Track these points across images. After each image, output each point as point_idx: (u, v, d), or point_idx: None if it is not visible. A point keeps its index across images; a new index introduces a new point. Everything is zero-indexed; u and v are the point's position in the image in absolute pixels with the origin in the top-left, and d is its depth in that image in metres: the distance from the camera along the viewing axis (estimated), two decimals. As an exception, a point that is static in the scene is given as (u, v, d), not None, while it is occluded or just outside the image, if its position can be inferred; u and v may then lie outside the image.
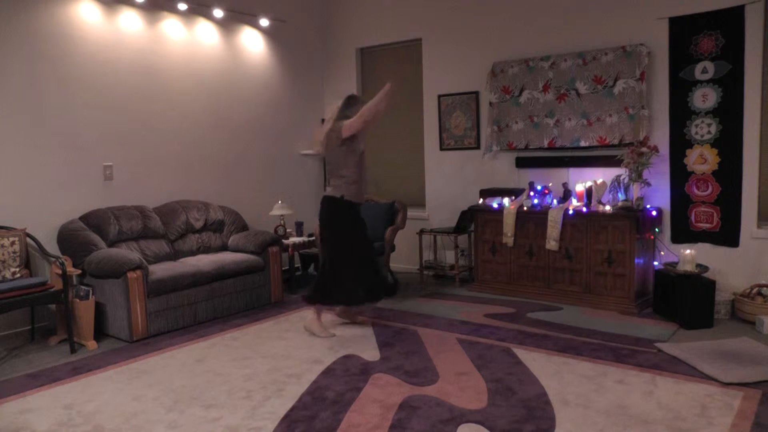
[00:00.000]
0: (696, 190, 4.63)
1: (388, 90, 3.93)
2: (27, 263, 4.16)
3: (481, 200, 5.34)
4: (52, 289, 3.96)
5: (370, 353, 3.76)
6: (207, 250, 5.16)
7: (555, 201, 5.04)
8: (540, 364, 3.48)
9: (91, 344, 4.05)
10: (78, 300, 4.06)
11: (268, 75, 6.17)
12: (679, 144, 4.68)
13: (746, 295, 4.25)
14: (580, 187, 4.88)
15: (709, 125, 4.54)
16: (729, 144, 4.46)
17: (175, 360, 3.74)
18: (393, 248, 5.30)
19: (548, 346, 3.79)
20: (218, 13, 5.53)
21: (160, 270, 4.37)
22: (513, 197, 5.13)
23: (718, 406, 2.86)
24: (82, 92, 4.68)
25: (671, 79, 4.67)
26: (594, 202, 4.77)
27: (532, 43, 5.31)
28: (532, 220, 4.94)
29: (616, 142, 4.85)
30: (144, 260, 4.27)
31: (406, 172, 6.42)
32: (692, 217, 4.68)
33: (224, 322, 4.56)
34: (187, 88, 5.43)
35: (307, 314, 4.27)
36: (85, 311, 4.05)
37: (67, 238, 4.38)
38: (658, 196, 4.79)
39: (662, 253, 4.79)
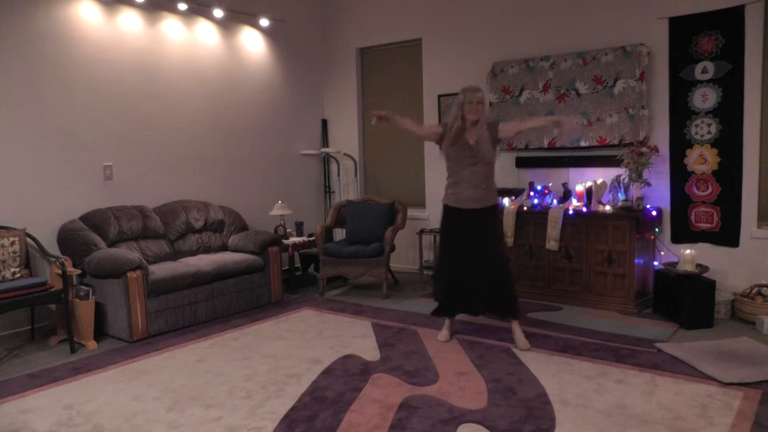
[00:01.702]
0: (696, 190, 4.63)
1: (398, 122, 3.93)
2: (27, 263, 4.16)
3: (481, 200, 5.34)
4: (52, 289, 3.96)
5: (370, 353, 3.76)
6: (207, 250, 5.16)
7: (555, 201, 5.04)
8: (540, 364, 3.48)
9: (91, 344, 4.05)
10: (78, 300, 4.06)
11: (268, 75, 6.17)
12: (679, 144, 4.68)
13: (746, 295, 4.25)
14: (580, 187, 4.88)
15: (709, 125, 4.54)
16: (729, 144, 4.46)
17: (175, 360, 3.74)
18: (393, 248, 5.30)
19: (548, 346, 3.79)
20: (218, 13, 5.53)
21: (160, 270, 4.37)
22: (513, 197, 5.13)
23: (718, 406, 2.86)
24: (82, 92, 4.68)
25: (671, 79, 4.67)
26: (594, 202, 4.76)
27: (532, 43, 5.31)
28: (532, 220, 4.93)
29: (616, 142, 4.85)
30: (144, 260, 4.26)
31: (406, 172, 6.42)
32: (692, 217, 4.68)
33: (224, 322, 4.56)
34: (187, 88, 5.43)
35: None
36: (85, 311, 4.05)
37: (67, 238, 4.38)
38: (658, 196, 4.79)
39: (662, 253, 4.78)
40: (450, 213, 3.87)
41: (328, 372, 3.45)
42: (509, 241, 5.00)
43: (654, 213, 4.71)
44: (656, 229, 4.79)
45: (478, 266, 3.77)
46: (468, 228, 3.78)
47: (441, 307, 3.97)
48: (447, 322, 4.03)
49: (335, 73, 6.70)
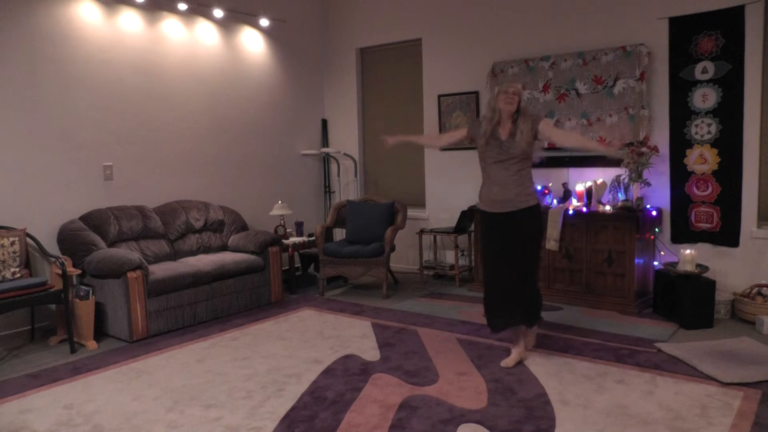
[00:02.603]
0: (696, 190, 4.63)
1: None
2: (27, 263, 4.16)
3: (481, 200, 5.34)
4: (52, 289, 3.96)
5: (370, 353, 3.76)
6: (207, 250, 5.16)
7: (555, 201, 5.04)
8: (540, 364, 3.48)
9: (91, 344, 4.05)
10: (78, 300, 4.06)
11: (268, 75, 6.17)
12: (679, 144, 4.68)
13: (746, 295, 4.25)
14: (580, 187, 4.88)
15: (709, 125, 4.54)
16: (729, 144, 4.46)
17: (175, 360, 3.74)
18: (393, 248, 5.30)
19: (548, 346, 3.79)
20: (218, 13, 5.53)
21: (160, 270, 4.37)
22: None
23: (718, 406, 2.86)
24: (82, 92, 4.68)
25: (671, 79, 4.67)
26: (594, 202, 4.77)
27: (532, 43, 5.31)
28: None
29: (616, 142, 4.86)
30: (144, 260, 4.26)
31: (406, 172, 6.42)
32: (692, 217, 4.68)
33: (224, 322, 4.56)
34: (187, 88, 5.43)
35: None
36: (85, 311, 4.05)
37: (67, 238, 4.38)
38: (658, 196, 4.79)
39: (662, 253, 4.78)
40: (482, 217, 3.62)
41: (328, 372, 3.45)
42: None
43: (654, 213, 4.71)
44: (656, 229, 4.79)
45: (508, 274, 3.47)
46: (499, 233, 3.46)
47: (489, 319, 3.61)
48: (514, 341, 3.58)
49: (335, 73, 6.70)
